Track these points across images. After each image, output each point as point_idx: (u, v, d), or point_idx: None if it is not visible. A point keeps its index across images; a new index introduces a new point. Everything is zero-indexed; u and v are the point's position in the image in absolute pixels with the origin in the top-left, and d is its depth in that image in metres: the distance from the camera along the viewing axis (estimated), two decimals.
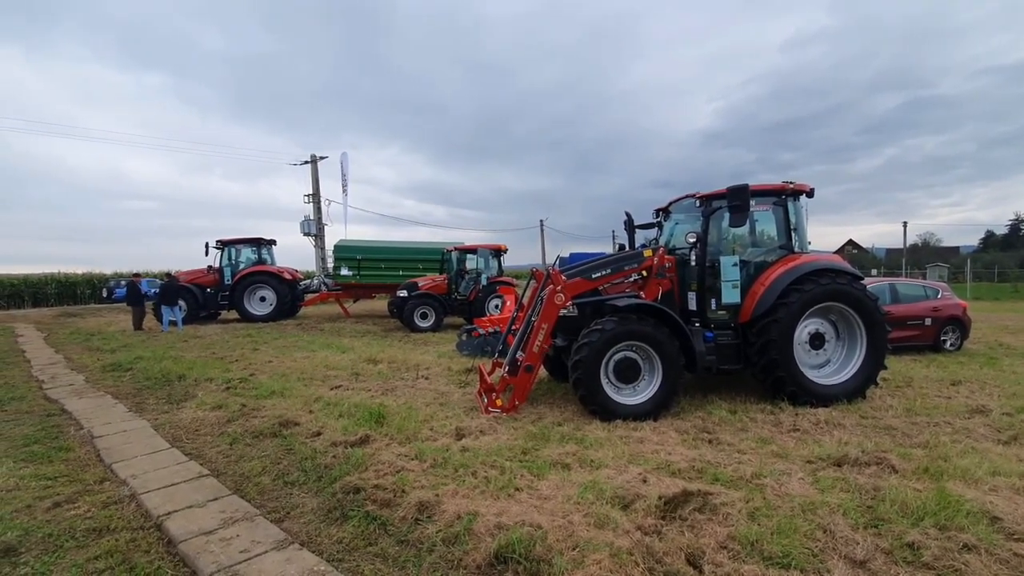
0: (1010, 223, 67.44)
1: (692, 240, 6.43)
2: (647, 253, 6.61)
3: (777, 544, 3.25)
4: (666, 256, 6.70)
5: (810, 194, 6.85)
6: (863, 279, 6.59)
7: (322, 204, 36.77)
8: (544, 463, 4.67)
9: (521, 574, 3.04)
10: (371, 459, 4.82)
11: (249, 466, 4.90)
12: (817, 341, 6.57)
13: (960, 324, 10.86)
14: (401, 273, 19.46)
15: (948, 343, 10.76)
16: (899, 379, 7.82)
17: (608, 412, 5.93)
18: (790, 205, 6.72)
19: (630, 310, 6.04)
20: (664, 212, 7.75)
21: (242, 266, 19.32)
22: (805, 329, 6.53)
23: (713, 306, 6.57)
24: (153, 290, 16.98)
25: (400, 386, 8.11)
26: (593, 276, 6.51)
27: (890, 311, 10.47)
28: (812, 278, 6.28)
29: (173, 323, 16.65)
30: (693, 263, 6.56)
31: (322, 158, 36.85)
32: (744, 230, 6.91)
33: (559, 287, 6.34)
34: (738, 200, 5.88)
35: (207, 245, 18.88)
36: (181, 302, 18.01)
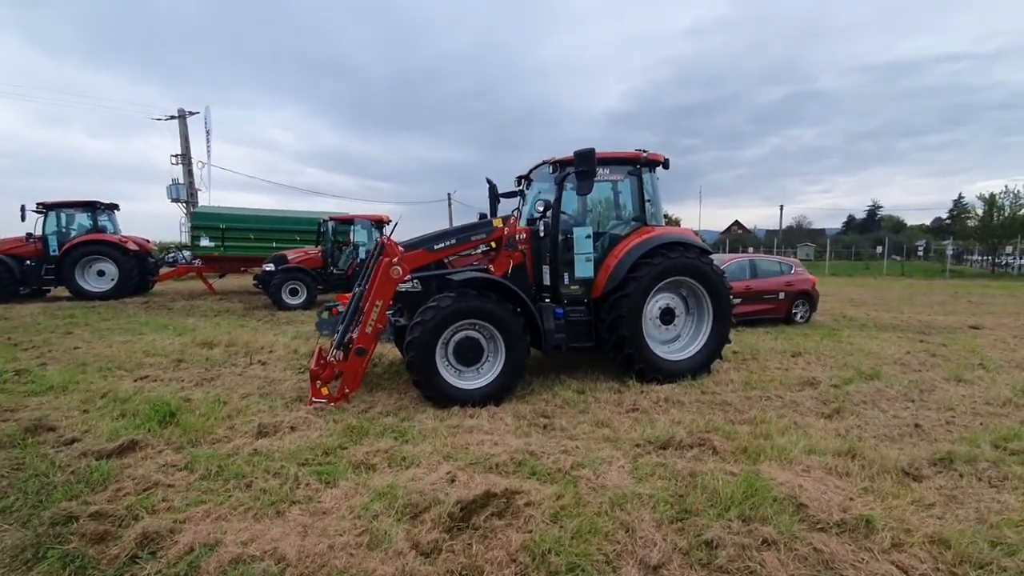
0: (867, 209, 77.40)
1: (541, 209, 5.94)
2: (496, 222, 6.02)
3: (570, 552, 2.81)
4: (518, 227, 6.16)
5: (665, 164, 6.62)
6: (711, 253, 6.52)
7: (194, 167, 32.97)
8: (345, 465, 3.97)
9: None
10: (120, 474, 3.83)
11: None
12: (668, 316, 6.43)
13: (809, 298, 11.63)
14: (275, 245, 17.68)
15: (799, 315, 11.49)
16: (747, 352, 8.05)
17: (445, 398, 5.35)
18: (645, 176, 6.44)
19: (469, 285, 5.44)
20: (526, 180, 7.21)
21: (73, 234, 16.44)
22: (656, 304, 6.35)
23: (566, 280, 6.17)
24: None
25: (225, 374, 6.99)
26: (435, 247, 5.83)
27: (750, 286, 10.97)
28: (662, 252, 6.06)
29: None
30: (542, 234, 6.08)
31: (192, 113, 32.85)
32: (599, 200, 6.56)
33: (395, 259, 5.59)
34: (585, 165, 5.43)
35: (23, 209, 15.77)
36: None
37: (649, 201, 6.48)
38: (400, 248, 5.71)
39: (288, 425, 4.88)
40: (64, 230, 16.58)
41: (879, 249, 42.93)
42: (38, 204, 16.15)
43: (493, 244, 6.03)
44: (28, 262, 15.79)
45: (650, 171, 6.52)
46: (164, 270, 18.79)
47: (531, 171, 7.04)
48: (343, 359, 5.65)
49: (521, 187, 7.31)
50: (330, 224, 15.54)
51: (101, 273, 16.44)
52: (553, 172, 6.22)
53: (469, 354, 5.51)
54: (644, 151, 6.27)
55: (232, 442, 4.50)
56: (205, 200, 31.12)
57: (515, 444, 4.32)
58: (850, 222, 78.33)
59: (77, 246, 15.92)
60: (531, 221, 6.61)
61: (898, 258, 42.40)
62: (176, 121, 32.48)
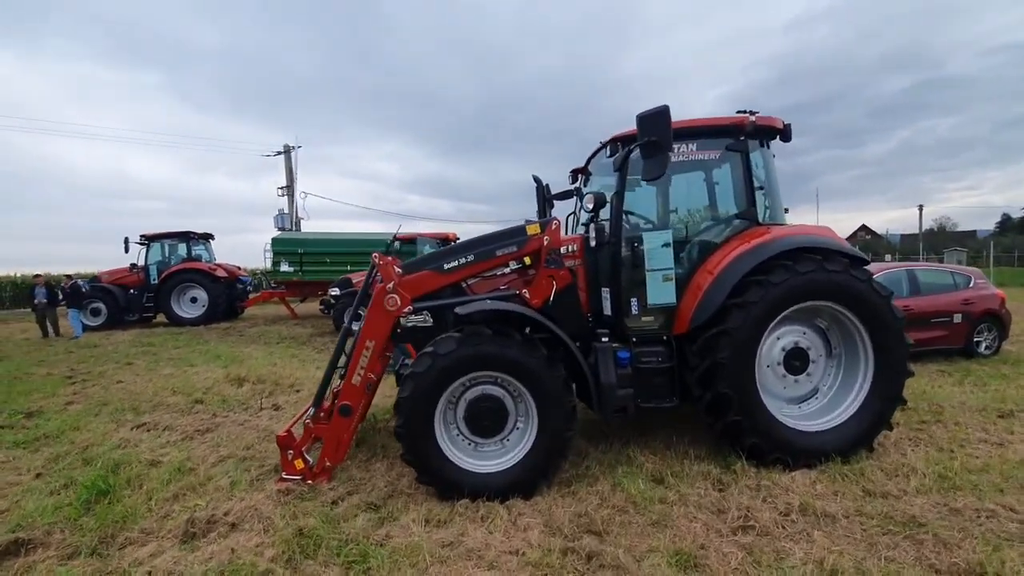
0: None
1: (591, 207, 4.12)
2: (532, 229, 4.29)
3: None
4: (561, 234, 4.36)
5: (784, 135, 4.49)
6: (868, 263, 4.24)
7: (297, 197, 35.15)
8: None
9: None
10: None
11: None
12: (797, 361, 4.23)
13: (998, 320, 8.41)
14: (350, 268, 17.31)
15: (983, 345, 8.32)
16: (923, 407, 5.45)
17: (449, 486, 3.69)
18: (753, 152, 4.36)
19: (481, 320, 3.77)
20: (583, 174, 5.41)
21: (172, 263, 17.29)
22: (778, 343, 4.20)
23: (634, 309, 4.25)
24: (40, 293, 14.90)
25: (228, 423, 5.94)
26: (446, 267, 4.23)
27: (908, 306, 8.09)
28: (786, 263, 3.94)
29: (86, 327, 15.08)
30: (593, 243, 4.23)
31: (296, 147, 35.03)
32: (684, 190, 4.60)
33: (390, 284, 4.09)
34: (652, 133, 3.55)
35: (127, 241, 16.80)
36: (100, 305, 16.24)
37: (761, 188, 4.38)
38: (398, 270, 4.21)
39: (231, 520, 3.53)
40: (165, 259, 17.52)
41: None
42: (141, 236, 17.19)
43: (527, 260, 4.30)
44: (131, 291, 16.78)
45: (761, 145, 4.44)
46: (253, 295, 19.31)
47: (589, 161, 5.24)
48: (323, 420, 4.23)
49: (577, 184, 5.52)
50: (396, 244, 14.72)
51: (194, 300, 17.08)
52: (612, 155, 4.38)
53: (488, 420, 3.81)
54: (752, 113, 4.21)
55: (140, 550, 3.22)
56: (307, 229, 32.78)
57: None
58: (1005, 222, 65.53)
59: (172, 274, 16.66)
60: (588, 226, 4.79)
61: None
62: (282, 157, 34.91)
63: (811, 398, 4.37)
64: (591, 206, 4.11)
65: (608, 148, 4.44)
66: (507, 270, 4.37)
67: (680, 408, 4.35)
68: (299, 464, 4.09)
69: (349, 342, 4.46)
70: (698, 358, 4.05)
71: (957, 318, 8.16)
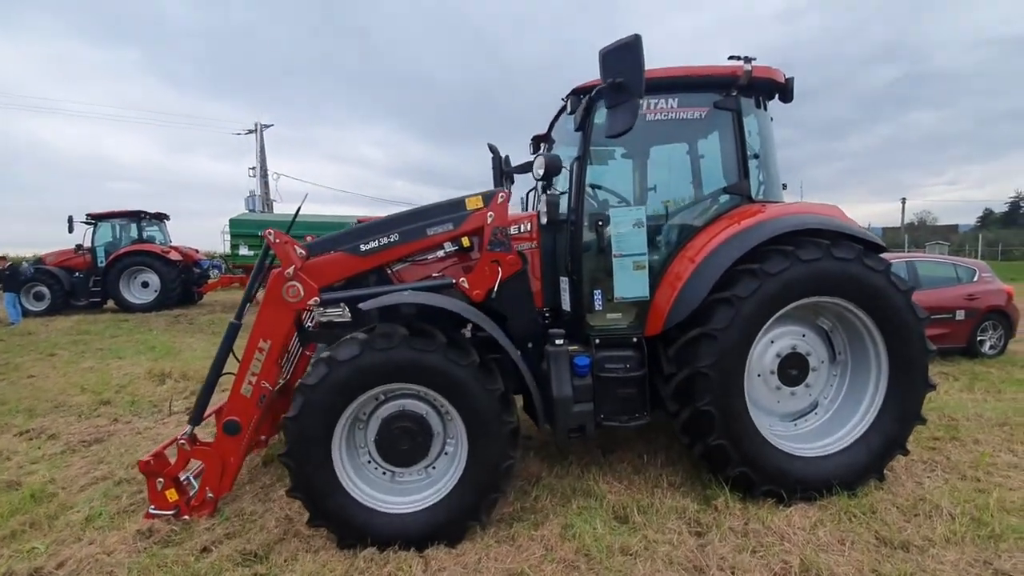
0: (1011, 200, 65.08)
1: (541, 172, 3.28)
2: (472, 203, 3.44)
3: None
4: (510, 210, 3.51)
5: (785, 93, 3.68)
6: (885, 249, 3.46)
7: (270, 178, 33.92)
8: None
9: None
10: None
11: None
12: (794, 369, 3.46)
13: (1005, 318, 7.81)
14: None
15: (988, 345, 7.72)
16: (932, 419, 4.73)
17: (350, 530, 2.86)
18: (747, 112, 3.54)
19: (394, 316, 2.93)
20: (545, 142, 4.55)
21: (123, 245, 16.08)
22: (771, 348, 3.42)
23: (596, 304, 3.44)
24: None
25: (123, 431, 5.08)
26: (363, 249, 3.37)
27: None
28: (785, 249, 3.15)
29: (28, 313, 14.11)
30: (544, 219, 3.40)
31: (267, 126, 33.62)
32: (660, 158, 3.77)
33: (290, 269, 3.21)
34: (620, 73, 2.70)
35: (70, 220, 15.52)
36: (44, 289, 15.07)
37: (756, 158, 3.58)
38: (300, 251, 3.33)
39: (64, 573, 2.69)
40: (115, 240, 16.31)
41: None
42: (87, 215, 15.95)
43: (466, 241, 3.45)
44: (77, 274, 15.59)
45: (757, 104, 3.62)
46: (212, 280, 18.19)
47: (552, 125, 4.39)
48: (194, 441, 3.38)
49: (539, 152, 4.65)
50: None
51: (145, 284, 15.92)
52: (572, 112, 3.52)
53: (407, 443, 2.98)
54: (748, 60, 3.37)
55: None
56: (280, 212, 31.42)
57: None
58: (987, 216, 66.37)
59: (121, 257, 15.47)
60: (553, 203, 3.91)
61: None
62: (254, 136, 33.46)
63: (808, 414, 3.61)
64: (542, 172, 3.26)
65: (569, 104, 3.57)
66: (441, 253, 3.52)
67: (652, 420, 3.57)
68: (172, 495, 3.24)
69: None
70: (674, 366, 3.25)
71: (960, 315, 7.53)
